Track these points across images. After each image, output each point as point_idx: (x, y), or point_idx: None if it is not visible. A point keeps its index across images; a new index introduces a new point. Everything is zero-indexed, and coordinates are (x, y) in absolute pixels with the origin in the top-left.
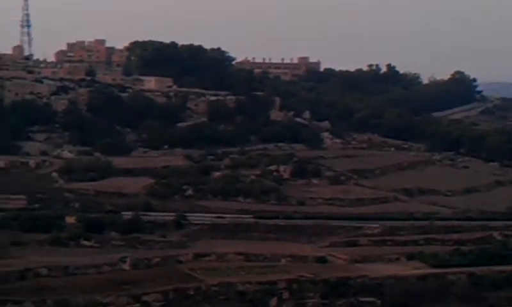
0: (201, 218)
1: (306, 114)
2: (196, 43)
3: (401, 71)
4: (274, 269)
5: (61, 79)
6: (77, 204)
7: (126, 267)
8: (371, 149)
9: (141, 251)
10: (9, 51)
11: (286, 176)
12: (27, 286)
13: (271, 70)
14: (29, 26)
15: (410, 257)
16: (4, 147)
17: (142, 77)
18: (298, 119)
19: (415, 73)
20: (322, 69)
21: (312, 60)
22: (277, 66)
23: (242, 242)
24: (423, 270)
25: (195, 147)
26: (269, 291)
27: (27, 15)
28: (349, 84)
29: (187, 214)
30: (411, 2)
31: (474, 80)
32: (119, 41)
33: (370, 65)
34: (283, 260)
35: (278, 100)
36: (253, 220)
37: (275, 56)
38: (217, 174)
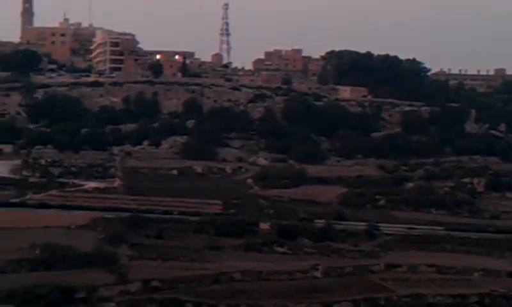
0: (393, 228)
1: (502, 127)
2: (391, 53)
3: None
4: (466, 283)
5: (258, 87)
6: (270, 211)
7: (318, 274)
8: None
9: (333, 259)
10: (208, 59)
11: (480, 189)
12: (221, 290)
13: (466, 82)
14: (228, 35)
15: None
16: (201, 153)
17: (337, 87)
18: (493, 132)
19: None
20: None
21: (508, 72)
22: (473, 77)
23: (434, 254)
24: None
25: (388, 157)
26: (461, 305)
27: (227, 23)
28: None
29: (379, 224)
30: None
31: None
32: (315, 51)
33: None
34: (475, 274)
35: (473, 112)
36: (445, 232)
37: (471, 68)
38: (410, 185)
